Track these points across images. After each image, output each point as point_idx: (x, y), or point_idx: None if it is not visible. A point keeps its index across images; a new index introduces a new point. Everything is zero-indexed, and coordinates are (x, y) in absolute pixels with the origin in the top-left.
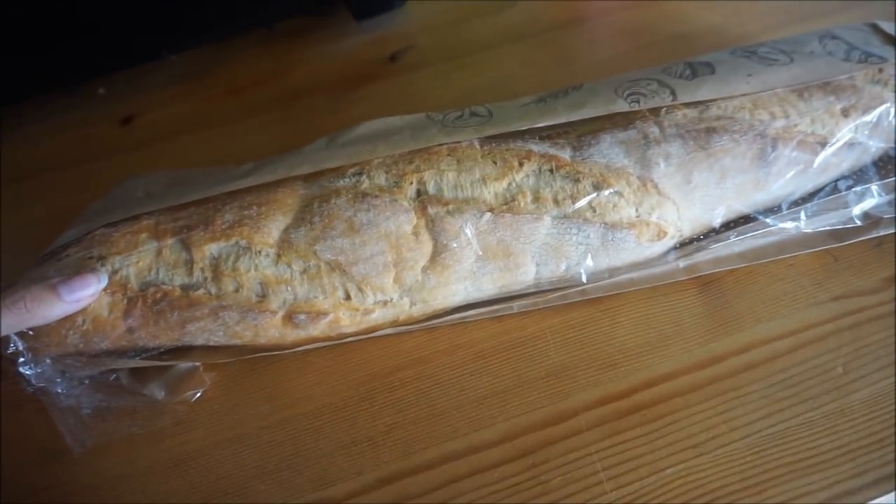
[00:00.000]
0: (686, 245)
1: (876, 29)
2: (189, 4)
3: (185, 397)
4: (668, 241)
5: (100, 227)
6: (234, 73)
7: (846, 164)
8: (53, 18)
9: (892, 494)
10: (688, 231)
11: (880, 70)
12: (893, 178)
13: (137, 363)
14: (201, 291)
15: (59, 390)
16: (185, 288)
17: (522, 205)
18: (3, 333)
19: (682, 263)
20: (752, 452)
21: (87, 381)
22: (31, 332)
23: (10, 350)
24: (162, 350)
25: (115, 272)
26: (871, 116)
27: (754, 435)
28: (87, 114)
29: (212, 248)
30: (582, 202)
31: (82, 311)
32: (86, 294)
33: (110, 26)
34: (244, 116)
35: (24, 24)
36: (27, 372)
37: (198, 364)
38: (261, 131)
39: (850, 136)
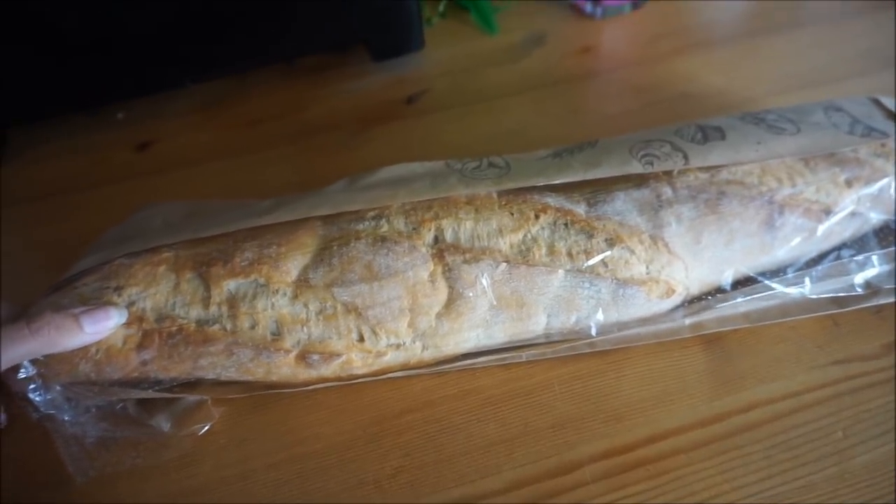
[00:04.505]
0: (693, 303)
1: (878, 104)
2: (214, 37)
3: (191, 430)
4: (676, 299)
5: (118, 258)
6: (253, 105)
7: (848, 232)
8: (78, 43)
9: None
10: (695, 290)
11: (882, 144)
12: (893, 249)
13: (147, 395)
14: (217, 327)
15: (67, 418)
16: (201, 323)
17: (537, 257)
18: (23, 359)
19: (688, 321)
20: None
21: (93, 410)
22: (42, 359)
23: (22, 375)
24: (174, 384)
25: (131, 304)
26: (873, 188)
27: (756, 495)
28: (103, 137)
29: (230, 285)
30: (595, 259)
31: (96, 341)
32: (107, 327)
33: (134, 53)
34: (261, 148)
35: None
36: (37, 398)
37: (206, 397)
38: (277, 164)
39: (852, 207)
